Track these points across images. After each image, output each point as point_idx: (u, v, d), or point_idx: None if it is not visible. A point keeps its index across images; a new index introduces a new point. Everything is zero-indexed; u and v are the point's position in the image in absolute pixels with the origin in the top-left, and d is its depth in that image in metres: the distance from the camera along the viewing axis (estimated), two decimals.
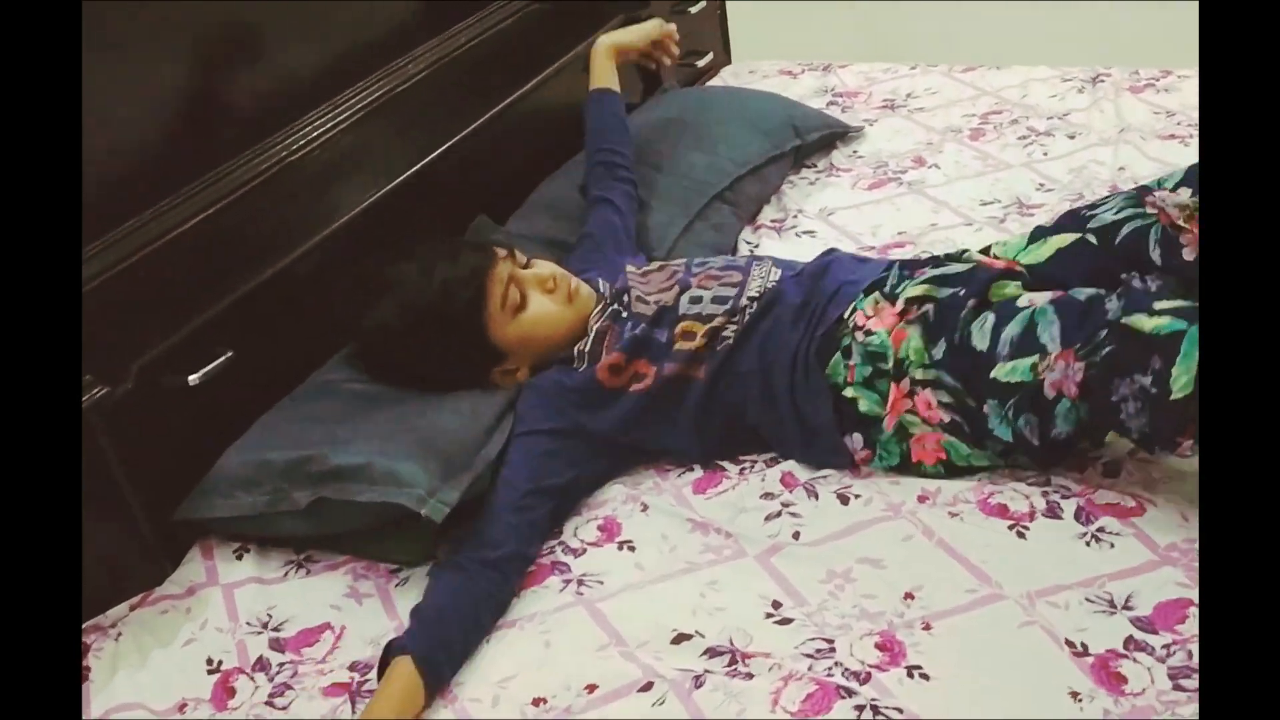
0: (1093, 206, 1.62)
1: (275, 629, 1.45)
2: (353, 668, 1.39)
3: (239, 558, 1.55)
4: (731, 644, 1.34)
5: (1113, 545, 1.37)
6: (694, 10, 2.62)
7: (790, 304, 1.60)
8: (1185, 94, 2.35)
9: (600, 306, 1.68)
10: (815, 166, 2.32)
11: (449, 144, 2.02)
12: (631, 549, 1.50)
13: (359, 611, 1.46)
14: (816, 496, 1.53)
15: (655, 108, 2.32)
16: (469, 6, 2.38)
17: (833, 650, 1.31)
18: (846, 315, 1.56)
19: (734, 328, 1.60)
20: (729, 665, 1.31)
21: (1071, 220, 1.62)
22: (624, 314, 1.65)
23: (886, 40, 3.28)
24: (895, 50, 3.05)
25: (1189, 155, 2.12)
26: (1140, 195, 1.57)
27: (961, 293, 1.52)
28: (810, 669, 1.29)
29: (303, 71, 1.97)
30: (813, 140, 2.29)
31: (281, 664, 1.41)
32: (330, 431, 1.50)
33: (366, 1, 2.13)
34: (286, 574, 1.53)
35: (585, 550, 1.50)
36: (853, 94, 2.57)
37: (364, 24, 2.14)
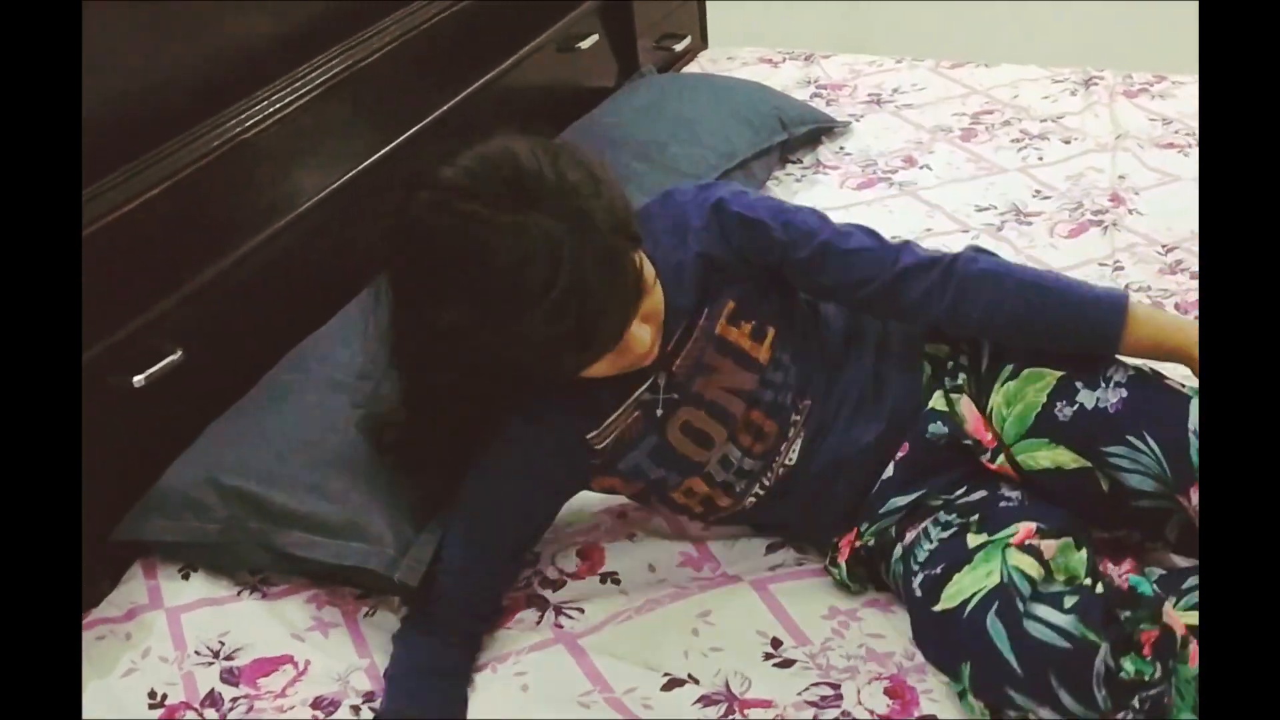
0: (1116, 436, 1.22)
1: (228, 658, 1.32)
2: (316, 704, 1.26)
3: (185, 577, 1.41)
4: (728, 690, 1.23)
5: None
6: None
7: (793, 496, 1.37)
8: (1181, 101, 2.27)
9: (643, 377, 1.29)
10: (801, 162, 2.21)
11: (418, 127, 1.90)
12: (616, 581, 1.38)
13: (324, 644, 1.33)
14: None
15: (633, 94, 2.20)
16: None
17: (839, 698, 1.21)
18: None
19: (743, 504, 1.37)
20: (725, 715, 1.21)
21: (1083, 439, 1.25)
22: (656, 414, 1.31)
23: (868, 32, 3.18)
24: (877, 43, 2.96)
25: (1189, 166, 2.05)
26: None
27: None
28: (815, 718, 1.19)
29: (257, 41, 1.83)
30: (800, 134, 2.18)
31: (235, 698, 1.27)
32: (282, 459, 1.37)
33: None
34: (241, 594, 1.40)
35: (565, 582, 1.39)
36: (837, 86, 2.47)
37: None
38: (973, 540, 1.22)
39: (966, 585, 1.18)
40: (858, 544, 1.30)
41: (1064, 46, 2.85)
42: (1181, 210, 1.90)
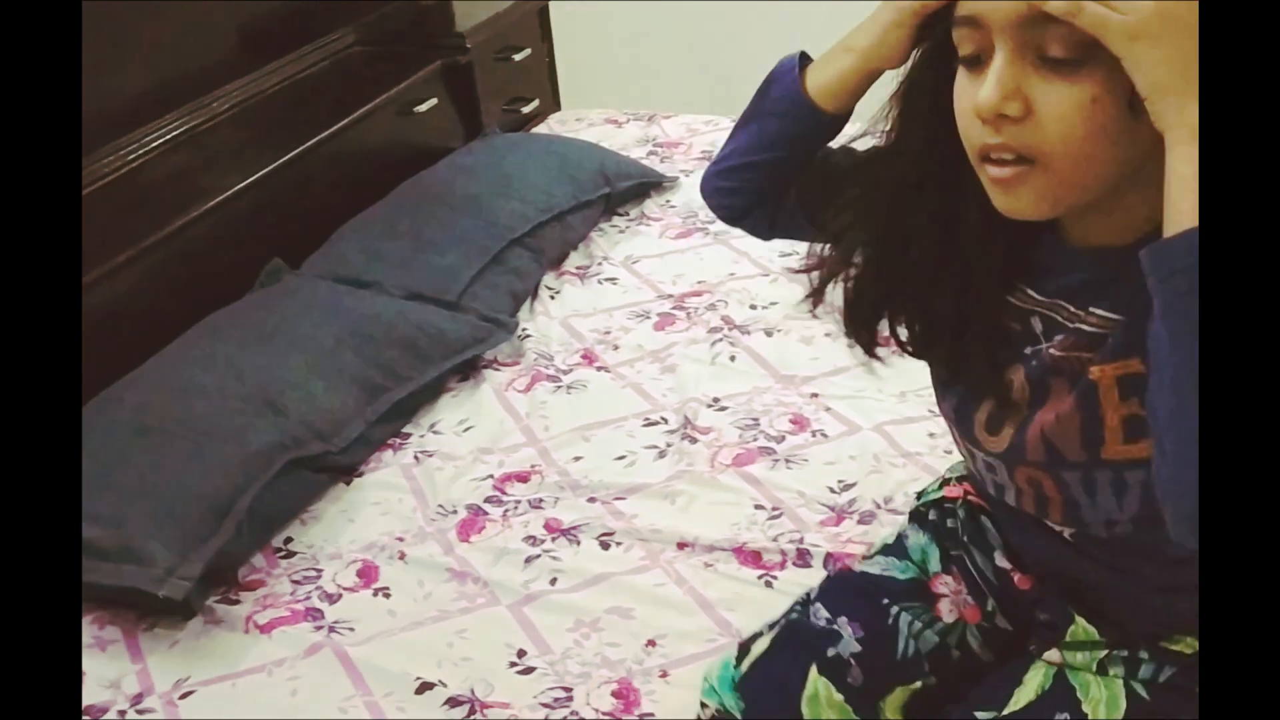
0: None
1: None
2: (87, 711, 1.35)
3: None
4: (473, 694, 1.33)
5: None
6: (517, 58, 2.64)
7: None
8: None
9: None
10: (628, 215, 2.35)
11: (244, 183, 2.01)
12: (387, 595, 1.49)
13: (100, 657, 1.42)
14: (578, 543, 1.54)
15: (465, 154, 2.33)
16: (287, 44, 2.38)
17: (570, 699, 1.32)
18: None
19: None
20: (468, 715, 1.31)
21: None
22: None
23: (720, 92, 3.34)
24: (730, 103, 3.11)
25: None
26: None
27: None
28: (547, 718, 1.29)
29: (108, 101, 1.95)
30: (624, 189, 2.31)
31: None
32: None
33: (178, 34, 2.11)
34: None
35: (341, 595, 1.49)
36: (673, 144, 2.61)
37: (173, 56, 2.12)
38: None
39: None
40: None
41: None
42: None
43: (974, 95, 0.86)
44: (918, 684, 1.09)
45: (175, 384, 1.67)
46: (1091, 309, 0.96)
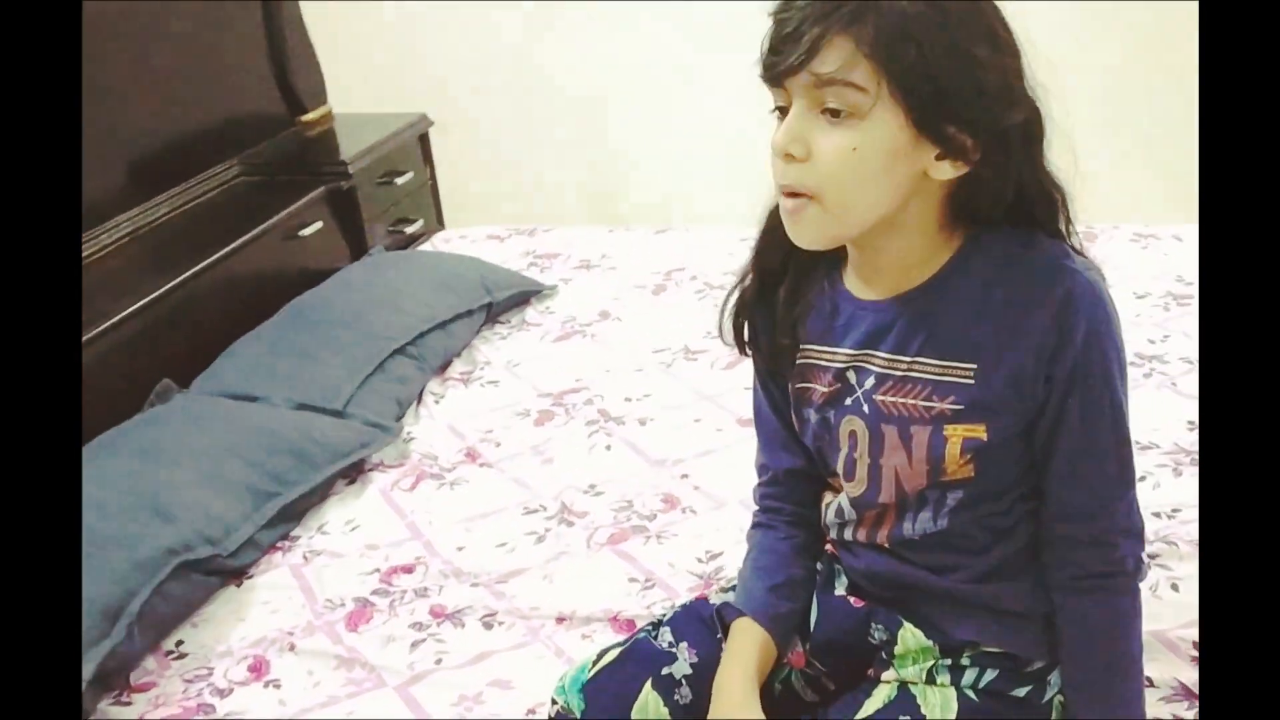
0: None
1: None
2: None
3: None
4: None
5: None
6: (399, 182, 2.77)
7: None
8: None
9: None
10: (509, 322, 2.46)
11: (134, 307, 2.08)
12: (277, 686, 1.54)
13: None
14: (463, 625, 1.61)
15: (348, 273, 2.44)
16: (175, 177, 2.48)
17: None
18: None
19: None
20: None
21: None
22: None
23: (602, 204, 3.50)
24: (614, 214, 3.29)
25: None
26: None
27: None
28: None
29: None
30: (504, 298, 2.43)
31: None
32: None
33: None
34: None
35: (233, 690, 1.54)
36: (552, 255, 2.75)
37: None
38: None
39: None
40: None
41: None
42: None
43: (776, 136, 1.07)
44: None
45: None
46: (881, 352, 1.15)
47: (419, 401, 2.18)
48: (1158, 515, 1.65)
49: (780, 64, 1.03)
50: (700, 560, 1.68)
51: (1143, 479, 1.73)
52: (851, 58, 1.01)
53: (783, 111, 1.07)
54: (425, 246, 2.83)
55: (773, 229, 1.19)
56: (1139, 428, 1.86)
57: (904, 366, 1.13)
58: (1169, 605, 1.47)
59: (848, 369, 1.17)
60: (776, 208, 1.15)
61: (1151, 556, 1.56)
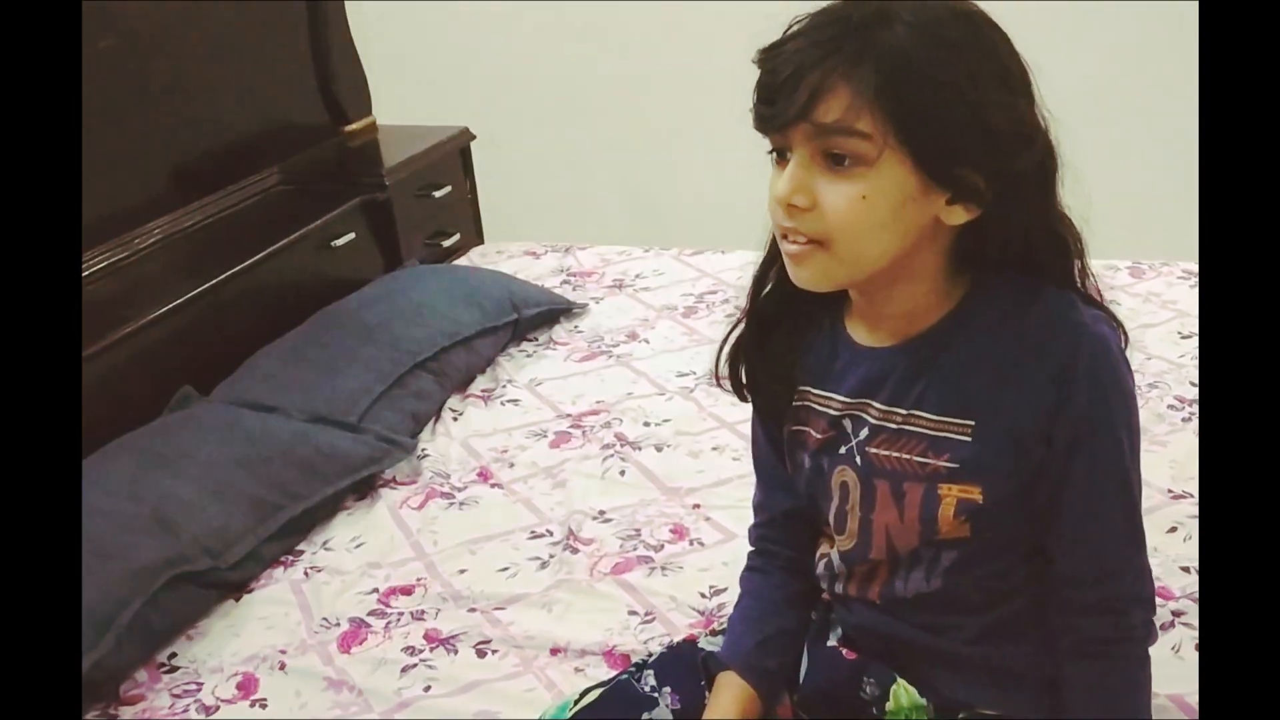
0: None
1: None
2: None
3: None
4: None
5: None
6: (438, 195, 2.76)
7: None
8: None
9: None
10: (536, 340, 2.43)
11: (160, 311, 2.09)
12: (263, 706, 1.52)
13: None
14: (455, 652, 1.58)
15: (376, 285, 2.42)
16: (214, 183, 2.49)
17: None
18: None
19: None
20: None
21: None
22: None
23: (644, 223, 3.47)
24: (656, 233, 3.25)
25: None
26: None
27: None
28: None
29: None
30: (531, 315, 2.40)
31: None
32: None
33: (105, 171, 2.21)
34: None
35: (219, 707, 1.52)
36: (587, 274, 2.72)
37: (101, 193, 2.21)
38: None
39: None
40: None
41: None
42: None
43: (777, 185, 1.01)
44: None
45: None
46: (878, 402, 1.10)
47: (437, 418, 2.16)
48: (1186, 570, 1.58)
49: (778, 116, 0.98)
50: (703, 595, 1.64)
51: (1173, 530, 1.67)
52: (854, 104, 0.96)
53: (779, 153, 1.03)
54: (462, 260, 2.82)
55: (769, 271, 1.14)
56: (1176, 476, 1.82)
57: (900, 419, 1.09)
58: (1191, 666, 1.39)
59: (843, 417, 1.13)
60: (773, 247, 1.11)
61: (1176, 614, 1.49)
